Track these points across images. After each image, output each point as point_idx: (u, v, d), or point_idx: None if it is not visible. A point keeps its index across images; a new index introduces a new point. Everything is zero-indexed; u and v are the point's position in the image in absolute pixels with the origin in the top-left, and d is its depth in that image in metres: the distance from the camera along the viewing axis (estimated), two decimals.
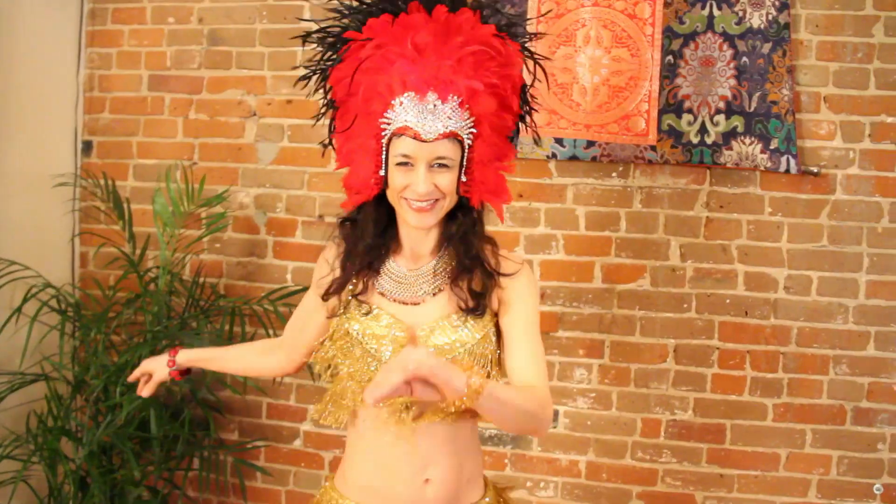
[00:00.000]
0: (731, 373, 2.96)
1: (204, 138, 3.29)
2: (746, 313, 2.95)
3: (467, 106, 1.57)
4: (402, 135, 1.56)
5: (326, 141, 1.73)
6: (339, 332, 1.69)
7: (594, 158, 2.95)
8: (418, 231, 1.67)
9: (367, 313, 1.66)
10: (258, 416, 3.26)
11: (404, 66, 1.54)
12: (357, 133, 1.62)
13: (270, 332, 2.93)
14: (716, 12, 2.85)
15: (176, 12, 3.29)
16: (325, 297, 1.72)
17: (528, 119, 1.72)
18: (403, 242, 1.71)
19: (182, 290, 3.12)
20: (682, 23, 2.88)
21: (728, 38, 2.85)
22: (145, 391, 2.07)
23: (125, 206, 3.10)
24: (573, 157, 2.96)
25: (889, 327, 2.88)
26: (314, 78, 1.69)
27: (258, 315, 2.97)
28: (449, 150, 1.57)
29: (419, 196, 1.58)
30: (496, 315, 1.69)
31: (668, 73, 2.89)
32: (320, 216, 3.20)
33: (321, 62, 1.66)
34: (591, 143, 2.93)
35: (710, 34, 2.86)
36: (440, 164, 1.57)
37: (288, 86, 3.19)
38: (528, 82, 1.70)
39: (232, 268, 3.29)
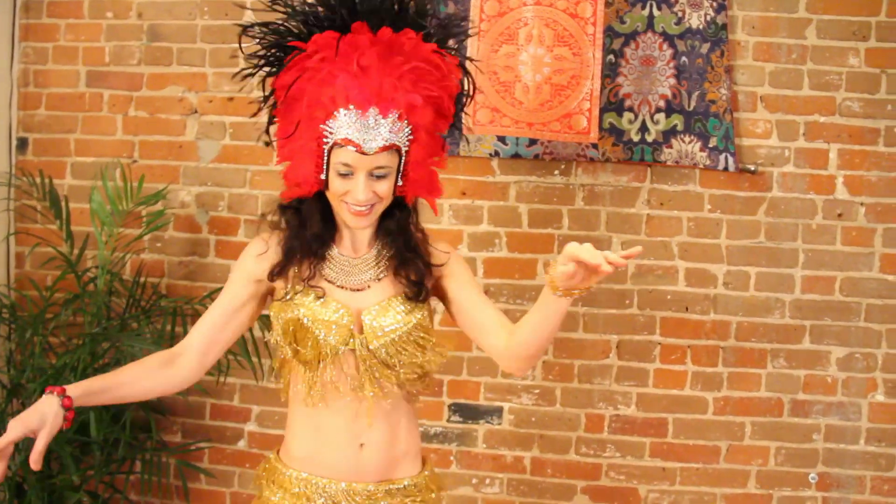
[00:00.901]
0: (673, 367, 3.01)
1: (144, 136, 3.24)
2: (687, 309, 3.00)
3: (406, 118, 1.66)
4: (343, 146, 1.63)
5: (266, 139, 1.79)
6: (288, 319, 1.73)
7: (536, 156, 2.97)
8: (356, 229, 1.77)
9: (318, 297, 1.73)
10: (201, 417, 3.22)
11: (347, 81, 1.62)
12: (299, 135, 1.69)
13: None
14: (656, 12, 2.90)
15: (114, 7, 3.23)
16: (270, 277, 1.76)
17: (462, 122, 1.84)
18: (343, 234, 1.79)
19: (122, 291, 3.07)
20: (622, 22, 2.91)
21: (668, 37, 2.90)
22: (36, 462, 1.62)
23: (62, 204, 3.03)
24: (516, 155, 2.98)
25: (823, 321, 2.95)
26: (255, 75, 1.76)
27: (200, 315, 2.93)
28: (387, 161, 1.66)
29: (358, 202, 1.67)
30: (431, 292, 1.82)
31: (610, 72, 2.92)
32: (263, 214, 3.11)
33: (263, 62, 1.72)
34: (533, 141, 2.96)
35: (650, 34, 2.91)
36: (379, 174, 1.66)
37: (229, 83, 3.15)
38: (466, 88, 1.80)
39: (173, 267, 3.24)
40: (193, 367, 1.81)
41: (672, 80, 2.91)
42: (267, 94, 1.76)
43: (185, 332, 2.85)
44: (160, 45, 3.21)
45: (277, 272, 1.76)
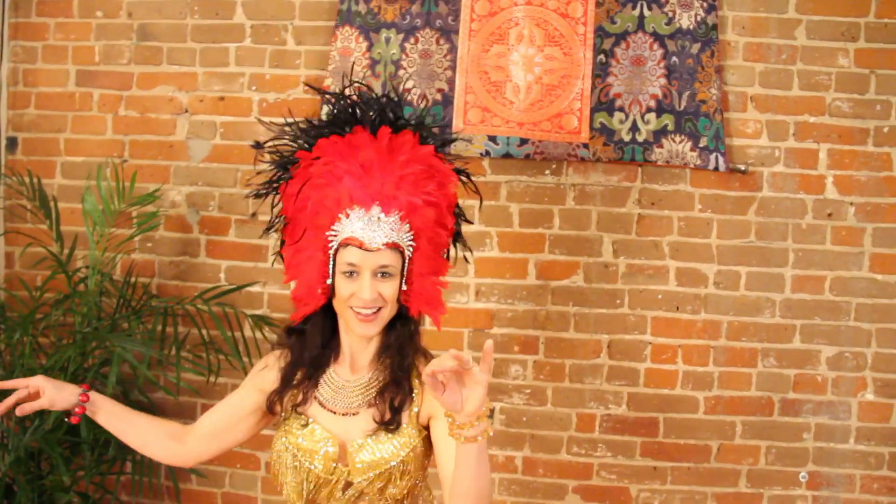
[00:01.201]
0: (664, 367, 3.02)
1: (134, 135, 3.23)
2: (678, 308, 3.01)
3: (407, 220, 1.69)
4: (348, 245, 1.66)
5: (277, 252, 1.83)
6: (276, 447, 1.77)
7: (527, 156, 2.98)
8: (360, 340, 1.77)
9: (304, 425, 1.75)
10: (192, 418, 3.21)
11: (351, 181, 1.67)
12: (305, 246, 1.72)
13: (203, 332, 2.89)
14: (646, 12, 2.90)
15: (104, 6, 3.22)
16: (271, 408, 1.81)
17: (461, 238, 1.87)
18: (344, 351, 1.80)
19: (113, 291, 3.06)
20: (613, 22, 2.92)
21: (658, 38, 2.91)
22: (17, 408, 1.78)
23: (52, 204, 3.02)
24: (507, 155, 2.98)
25: (813, 320, 2.96)
26: (268, 194, 1.79)
27: (191, 315, 2.93)
28: (391, 259, 1.68)
29: (364, 303, 1.68)
30: (425, 426, 1.75)
31: (600, 71, 2.93)
32: (253, 214, 3.16)
33: (273, 181, 1.77)
34: (524, 141, 2.96)
35: (640, 34, 2.91)
36: (383, 273, 1.68)
37: (220, 82, 3.15)
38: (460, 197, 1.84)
39: (164, 267, 3.23)
40: (188, 453, 1.88)
41: (662, 80, 2.91)
42: (275, 215, 1.80)
43: (176, 333, 2.88)
44: (150, 44, 3.20)
45: (275, 400, 1.80)
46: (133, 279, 3.10)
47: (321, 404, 1.77)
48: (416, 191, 1.70)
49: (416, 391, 1.74)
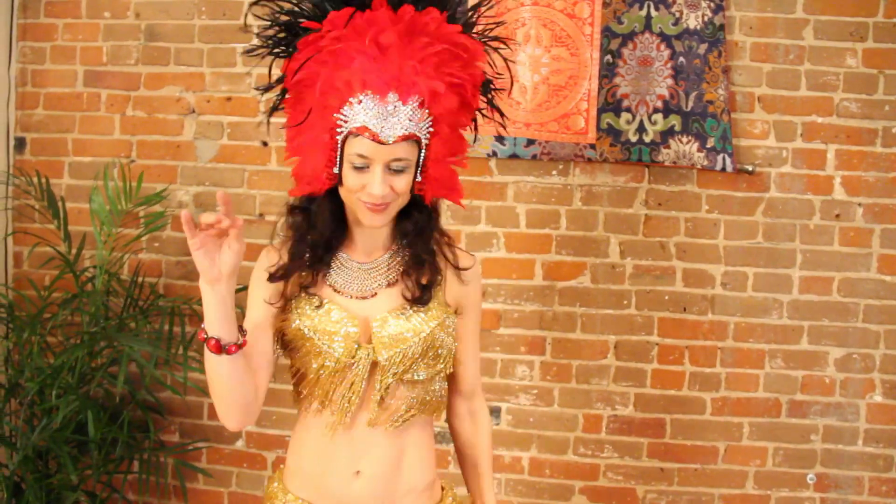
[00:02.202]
0: (671, 368, 3.01)
1: (142, 136, 3.24)
2: (685, 309, 3.00)
3: (427, 107, 1.51)
4: (359, 135, 1.49)
5: (265, 139, 1.70)
6: (288, 329, 1.62)
7: (534, 157, 2.97)
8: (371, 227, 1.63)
9: (318, 307, 1.61)
10: (199, 417, 3.22)
11: (365, 63, 1.48)
12: (311, 126, 1.54)
13: None
14: (653, 13, 2.90)
15: (112, 7, 3.23)
16: (271, 279, 1.62)
17: (487, 112, 1.69)
18: (356, 237, 1.66)
19: (120, 291, 3.07)
20: (620, 23, 2.91)
21: (665, 38, 2.90)
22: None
23: (60, 204, 3.03)
24: (513, 156, 2.98)
25: (821, 321, 2.95)
26: (265, 56, 1.61)
27: (198, 315, 2.93)
28: (406, 152, 1.52)
29: (374, 198, 1.53)
30: (452, 308, 1.69)
31: (607, 72, 2.92)
32: (260, 215, 3.17)
33: (274, 42, 1.58)
34: (531, 142, 2.96)
35: (647, 34, 2.91)
36: (397, 168, 1.52)
37: (227, 83, 3.15)
38: (490, 77, 1.66)
39: (171, 267, 3.24)
40: (262, 391, 1.63)
41: (670, 81, 2.91)
42: (276, 79, 1.61)
43: (183, 333, 2.88)
44: (158, 44, 3.21)
45: (280, 276, 1.62)
46: (140, 279, 3.11)
47: (333, 289, 1.64)
48: (439, 74, 1.50)
49: (440, 276, 1.65)
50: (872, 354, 2.95)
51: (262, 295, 1.64)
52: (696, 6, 2.87)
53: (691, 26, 2.89)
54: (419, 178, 1.57)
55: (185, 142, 3.22)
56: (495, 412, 3.06)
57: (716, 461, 3.01)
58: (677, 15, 2.89)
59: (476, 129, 1.68)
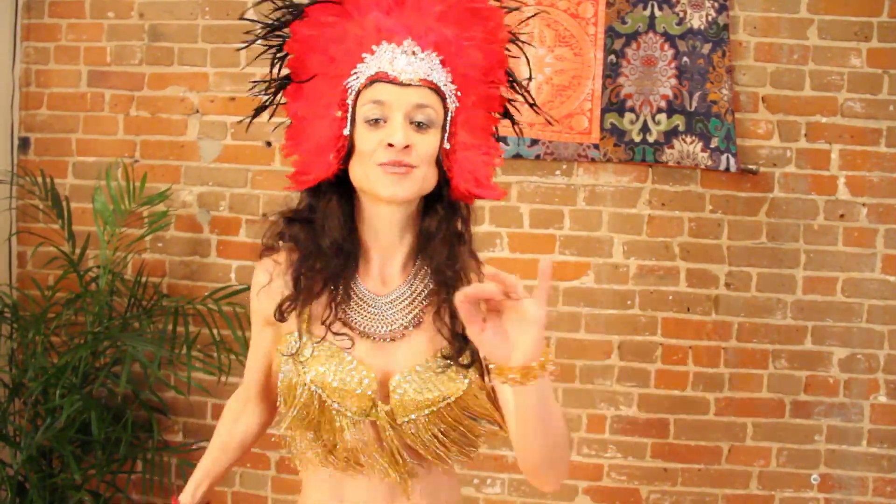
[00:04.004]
0: (674, 368, 3.01)
1: (145, 135, 3.24)
2: (689, 309, 3.00)
3: (448, 65, 1.36)
4: (375, 81, 1.32)
5: (269, 139, 1.56)
6: (293, 383, 1.37)
7: (538, 157, 2.97)
8: (389, 225, 1.38)
9: (331, 356, 1.35)
10: (203, 417, 3.22)
11: (379, 17, 1.35)
12: (315, 97, 1.38)
13: (214, 331, 2.89)
14: (657, 13, 2.89)
15: (115, 7, 3.23)
16: (280, 316, 1.38)
17: (517, 106, 1.51)
18: (370, 256, 1.40)
19: (124, 290, 3.07)
20: (624, 23, 2.91)
21: (669, 38, 2.90)
22: None
23: (64, 204, 3.03)
24: (517, 156, 2.98)
25: (825, 322, 2.95)
26: (265, 36, 1.45)
27: (202, 315, 2.94)
28: (430, 100, 1.33)
29: (396, 149, 1.29)
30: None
31: (611, 72, 2.92)
32: (264, 214, 3.16)
33: (274, 25, 1.42)
34: (534, 142, 2.95)
35: (651, 34, 2.90)
36: (420, 122, 1.32)
37: (231, 83, 3.15)
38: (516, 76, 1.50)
39: (175, 267, 3.24)
40: (264, 410, 1.61)
41: (673, 81, 2.90)
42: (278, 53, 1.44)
43: (187, 333, 2.88)
44: (161, 44, 3.21)
45: (288, 308, 1.37)
46: (144, 279, 3.11)
47: (350, 327, 1.36)
48: (459, 31, 1.36)
49: None
50: (877, 355, 2.94)
51: (257, 324, 1.48)
52: (699, 6, 2.87)
53: (695, 26, 2.88)
54: (448, 146, 1.35)
55: (188, 142, 3.22)
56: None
57: (720, 461, 3.01)
58: (681, 15, 2.88)
59: (514, 123, 1.51)
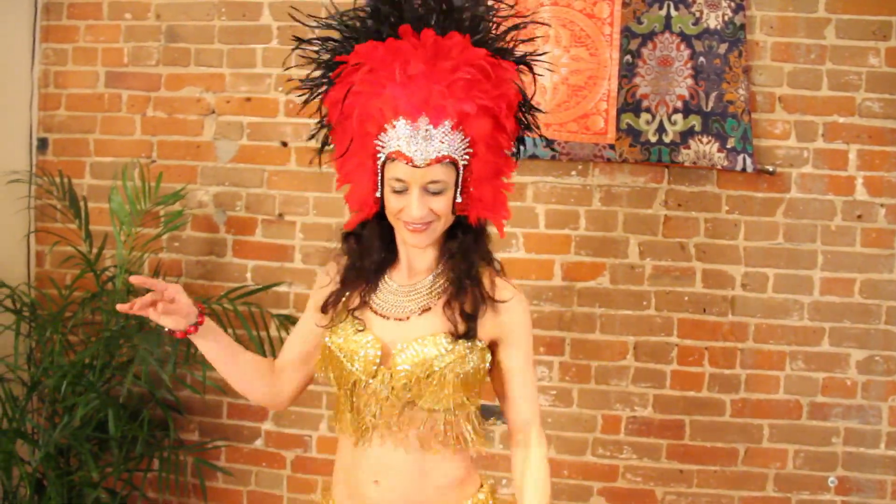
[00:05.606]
0: (690, 369, 2.99)
1: (162, 136, 3.26)
2: (704, 310, 2.99)
3: (461, 128, 1.56)
4: (395, 159, 1.56)
5: (318, 160, 1.73)
6: (324, 347, 1.72)
7: (553, 157, 2.97)
8: (416, 248, 1.69)
9: (360, 331, 1.67)
10: (218, 416, 3.24)
11: (395, 91, 1.54)
12: (354, 153, 1.62)
13: (230, 331, 2.90)
14: (673, 13, 2.88)
15: (133, 8, 3.25)
16: (325, 308, 1.72)
17: (530, 128, 1.74)
18: (401, 257, 1.72)
19: (140, 290, 3.09)
20: (640, 23, 2.90)
21: (685, 38, 2.89)
22: (151, 312, 1.62)
23: (81, 204, 3.06)
24: (533, 156, 2.97)
25: (842, 323, 2.93)
26: (313, 97, 1.69)
27: (217, 314, 2.95)
28: (442, 174, 1.57)
29: (413, 220, 1.59)
30: (490, 341, 1.70)
31: (627, 72, 2.91)
32: (280, 214, 3.18)
33: (314, 82, 1.66)
34: (550, 142, 2.95)
35: (667, 34, 2.89)
36: (434, 190, 1.58)
37: (247, 83, 3.17)
38: (528, 94, 1.70)
39: (191, 266, 3.26)
40: (289, 386, 1.81)
41: (690, 81, 2.89)
42: (321, 116, 1.70)
43: None
44: (178, 45, 3.23)
45: (332, 302, 1.72)
46: (160, 278, 3.13)
47: (373, 310, 1.69)
48: (468, 97, 1.54)
49: (483, 306, 1.67)
50: (895, 357, 2.92)
51: (311, 309, 1.80)
52: (716, 6, 2.86)
53: (711, 26, 2.87)
54: (459, 199, 1.61)
55: (205, 142, 3.23)
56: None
57: (736, 463, 2.99)
58: (697, 15, 2.87)
59: (521, 148, 1.74)
